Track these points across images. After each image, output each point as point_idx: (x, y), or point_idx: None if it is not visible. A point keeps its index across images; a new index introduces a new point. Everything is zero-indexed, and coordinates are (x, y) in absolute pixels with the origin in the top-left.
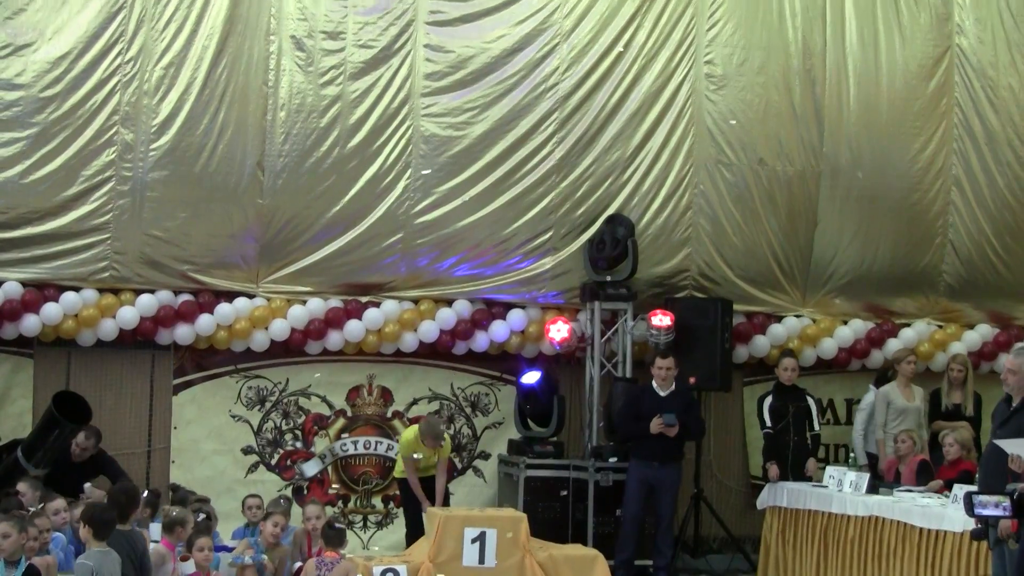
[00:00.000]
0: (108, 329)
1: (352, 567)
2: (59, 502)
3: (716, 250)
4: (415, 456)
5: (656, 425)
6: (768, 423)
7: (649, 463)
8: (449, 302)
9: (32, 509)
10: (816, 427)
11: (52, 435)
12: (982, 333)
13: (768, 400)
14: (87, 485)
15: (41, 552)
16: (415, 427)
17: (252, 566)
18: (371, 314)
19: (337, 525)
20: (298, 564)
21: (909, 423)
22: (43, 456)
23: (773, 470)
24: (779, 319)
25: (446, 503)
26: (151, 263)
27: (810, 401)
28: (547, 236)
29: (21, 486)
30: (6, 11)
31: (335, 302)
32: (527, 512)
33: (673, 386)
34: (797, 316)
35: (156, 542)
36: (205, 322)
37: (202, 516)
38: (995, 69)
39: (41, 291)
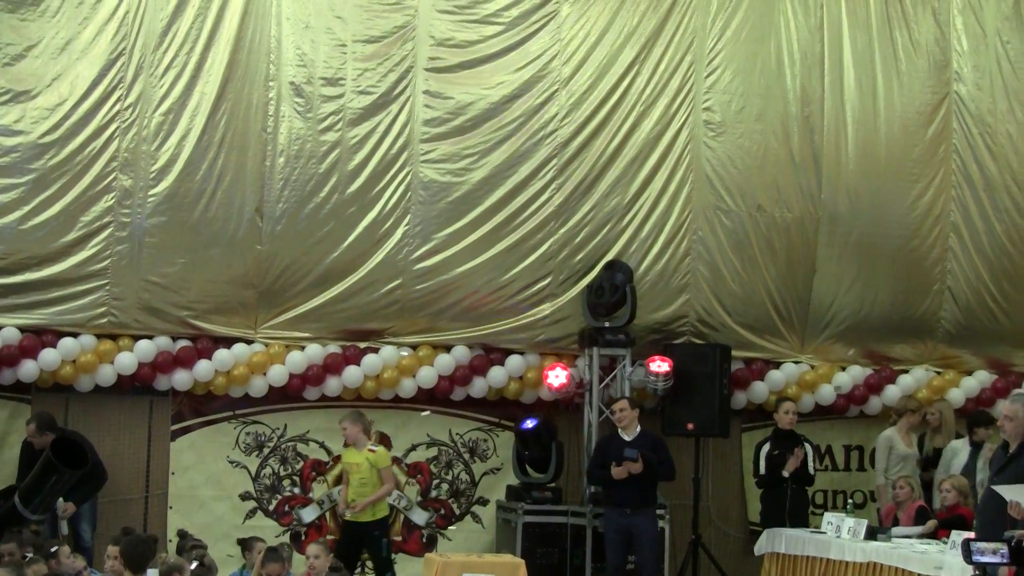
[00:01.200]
0: (106, 375)
1: None
2: (66, 548)
3: (715, 296)
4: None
5: (617, 471)
6: (762, 470)
7: (622, 510)
8: (448, 348)
9: (29, 555)
10: (811, 473)
11: (49, 481)
12: (980, 379)
13: (766, 447)
14: (60, 503)
15: None
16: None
17: None
18: (370, 360)
19: (339, 570)
20: None
21: (908, 469)
22: (41, 502)
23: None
24: (777, 365)
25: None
26: (149, 309)
27: (807, 447)
28: (546, 282)
29: (8, 547)
30: (5, 57)
31: (334, 348)
32: (525, 558)
33: (638, 429)
34: (796, 362)
35: None
36: (203, 368)
37: (195, 564)
38: (993, 116)
39: (39, 337)
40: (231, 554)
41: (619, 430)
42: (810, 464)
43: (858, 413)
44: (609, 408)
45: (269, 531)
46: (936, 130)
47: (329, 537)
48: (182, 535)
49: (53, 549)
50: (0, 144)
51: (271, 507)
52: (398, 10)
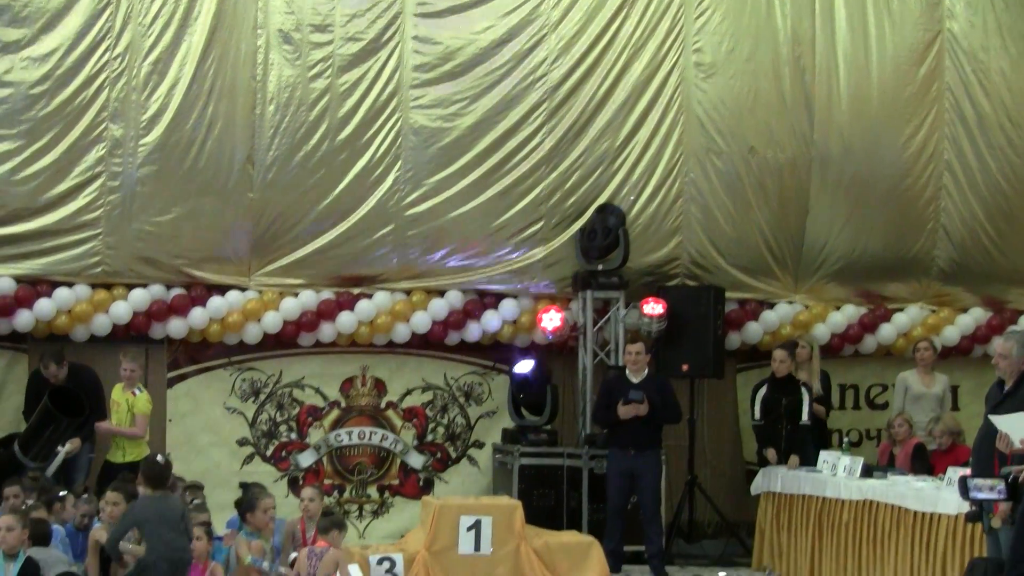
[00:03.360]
0: (102, 324)
1: (341, 556)
2: (72, 496)
3: (707, 238)
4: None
5: (624, 411)
6: (758, 415)
7: (625, 451)
8: (441, 293)
9: (31, 503)
10: (805, 418)
11: (48, 430)
12: (975, 317)
13: (762, 391)
14: (60, 448)
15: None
16: None
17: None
18: (363, 306)
19: (331, 514)
20: (293, 555)
21: (925, 409)
22: (39, 450)
23: (771, 454)
24: (771, 306)
25: None
26: (143, 258)
27: (804, 392)
28: (538, 226)
29: (13, 489)
30: None
31: (327, 294)
32: (522, 500)
33: (646, 372)
34: (789, 303)
35: None
36: (198, 316)
37: (195, 502)
38: (986, 53)
39: (34, 287)
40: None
41: (627, 372)
42: (804, 410)
43: (853, 352)
44: (625, 349)
45: (267, 476)
46: (928, 68)
47: (326, 481)
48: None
49: (62, 494)
50: None
51: (268, 453)
52: None
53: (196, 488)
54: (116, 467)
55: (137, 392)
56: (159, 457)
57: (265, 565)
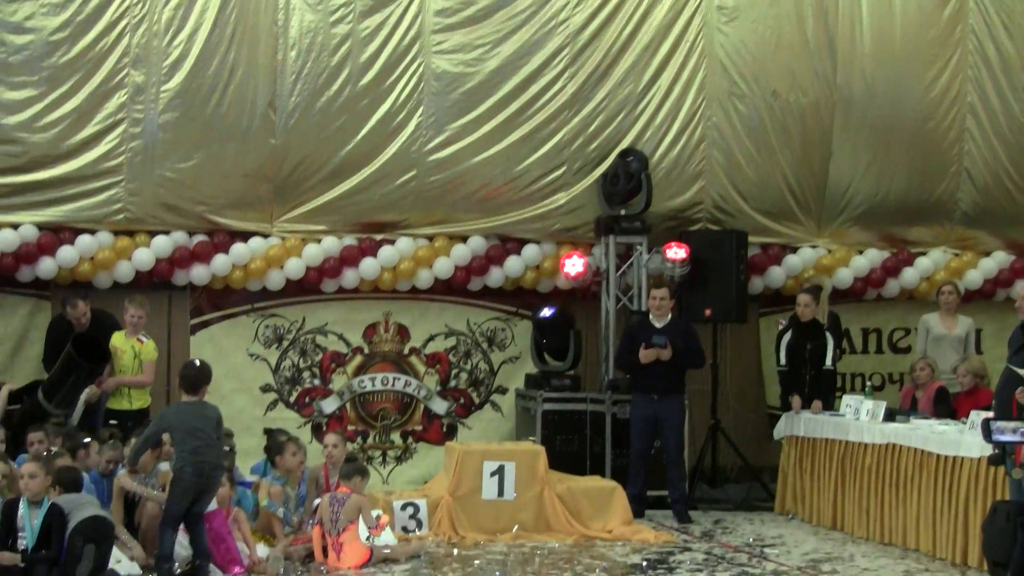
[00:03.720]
0: (124, 271)
1: (364, 502)
2: (95, 443)
3: (730, 182)
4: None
5: (646, 355)
6: (783, 361)
7: (649, 396)
8: (464, 238)
9: (55, 450)
10: (829, 363)
11: (71, 377)
12: (998, 260)
13: (787, 336)
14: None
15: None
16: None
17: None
18: (386, 252)
19: (354, 460)
20: (317, 501)
21: (947, 352)
22: (63, 397)
23: (796, 401)
24: (794, 250)
25: None
26: (165, 205)
27: (828, 337)
28: (560, 171)
29: (37, 435)
30: None
31: (350, 240)
32: (545, 445)
33: (669, 317)
34: (812, 247)
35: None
36: (220, 262)
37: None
38: None
39: (56, 234)
40: (254, 446)
41: (650, 316)
42: (829, 355)
43: (876, 296)
44: (649, 294)
45: (290, 423)
46: (952, 10)
47: (349, 428)
48: None
49: (86, 441)
50: (11, 42)
51: (292, 399)
52: None
53: (226, 436)
54: (124, 415)
55: (144, 340)
56: (196, 360)
57: (280, 511)
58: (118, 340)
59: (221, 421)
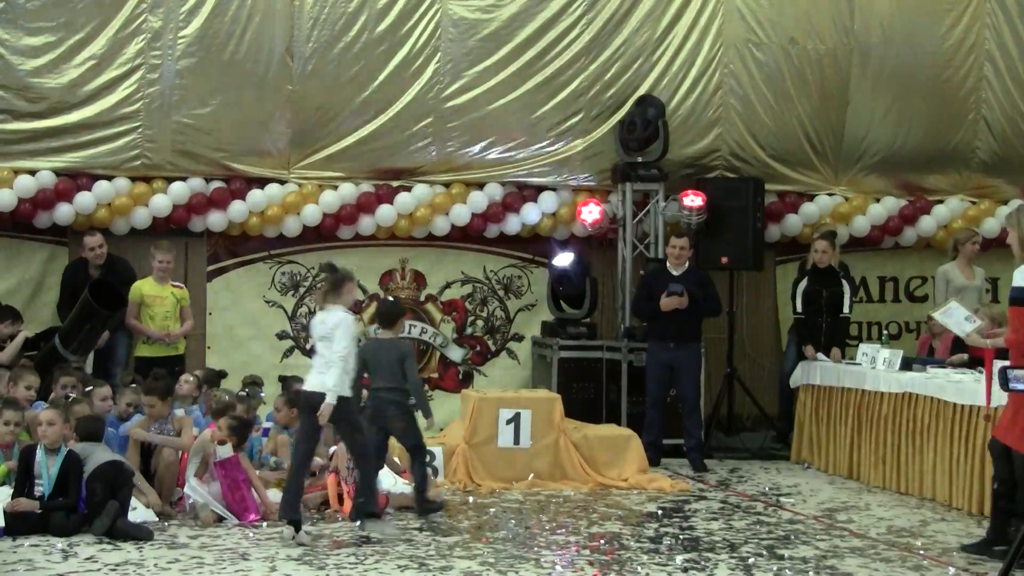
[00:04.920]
0: (141, 217)
1: None
2: (105, 389)
3: (747, 130)
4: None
5: (667, 303)
6: (799, 308)
7: (665, 344)
8: (480, 185)
9: (74, 395)
10: (846, 310)
11: (88, 323)
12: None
13: (803, 284)
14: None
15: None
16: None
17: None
18: (403, 198)
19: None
20: (333, 448)
21: (967, 302)
22: (80, 344)
23: (810, 351)
24: (811, 198)
25: None
26: (182, 151)
27: (844, 284)
28: (577, 118)
29: (66, 379)
30: None
31: (367, 187)
32: (561, 393)
33: (687, 265)
34: (829, 195)
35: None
36: (237, 209)
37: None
38: None
39: (74, 180)
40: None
41: (667, 264)
42: (846, 302)
43: (893, 244)
44: (668, 243)
45: (306, 370)
46: None
47: (365, 376)
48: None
49: (88, 389)
50: None
51: (308, 346)
52: None
53: (255, 384)
54: (170, 361)
55: (180, 285)
56: (390, 296)
57: (272, 461)
58: (150, 287)
59: (408, 357)
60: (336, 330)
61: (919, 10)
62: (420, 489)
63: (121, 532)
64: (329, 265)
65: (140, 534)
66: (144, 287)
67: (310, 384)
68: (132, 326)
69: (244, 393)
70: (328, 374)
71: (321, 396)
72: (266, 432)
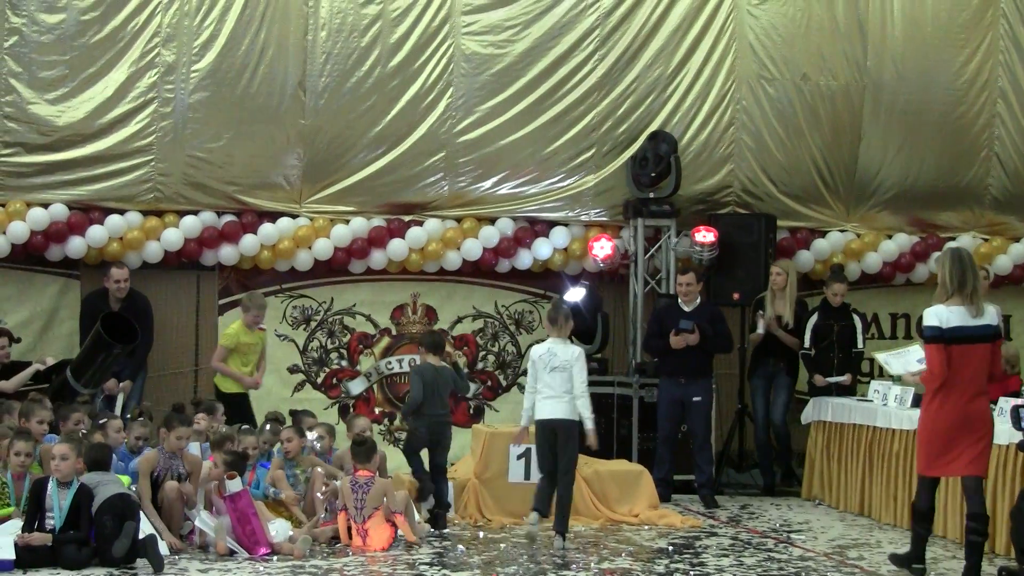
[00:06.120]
0: (153, 251)
1: (388, 485)
2: (116, 423)
3: (759, 166)
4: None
5: (676, 341)
6: (808, 344)
7: (676, 380)
8: (492, 220)
9: (85, 431)
10: (860, 345)
11: (100, 356)
12: None
13: (814, 318)
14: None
15: None
16: (238, 321)
17: (292, 496)
18: (414, 233)
19: (364, 438)
20: (335, 483)
21: None
22: (92, 377)
23: (818, 379)
24: (823, 234)
25: None
26: (194, 184)
27: (856, 319)
28: (589, 153)
29: (75, 416)
30: None
31: (378, 221)
32: None
33: (698, 301)
34: (841, 231)
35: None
36: (249, 242)
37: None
38: None
39: (86, 213)
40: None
41: (679, 300)
42: (859, 337)
43: (905, 281)
44: (676, 280)
45: (317, 404)
46: None
47: (376, 410)
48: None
49: (102, 421)
50: (43, 21)
51: (319, 380)
52: None
53: (276, 421)
54: (237, 396)
55: (262, 327)
56: (436, 327)
57: (271, 492)
58: (244, 335)
59: (458, 381)
60: (576, 362)
61: (932, 47)
62: (443, 504)
63: (142, 551)
64: (560, 300)
65: (158, 557)
66: (241, 335)
67: (546, 412)
68: (223, 370)
69: (246, 427)
70: (580, 403)
71: (572, 423)
72: (267, 465)
